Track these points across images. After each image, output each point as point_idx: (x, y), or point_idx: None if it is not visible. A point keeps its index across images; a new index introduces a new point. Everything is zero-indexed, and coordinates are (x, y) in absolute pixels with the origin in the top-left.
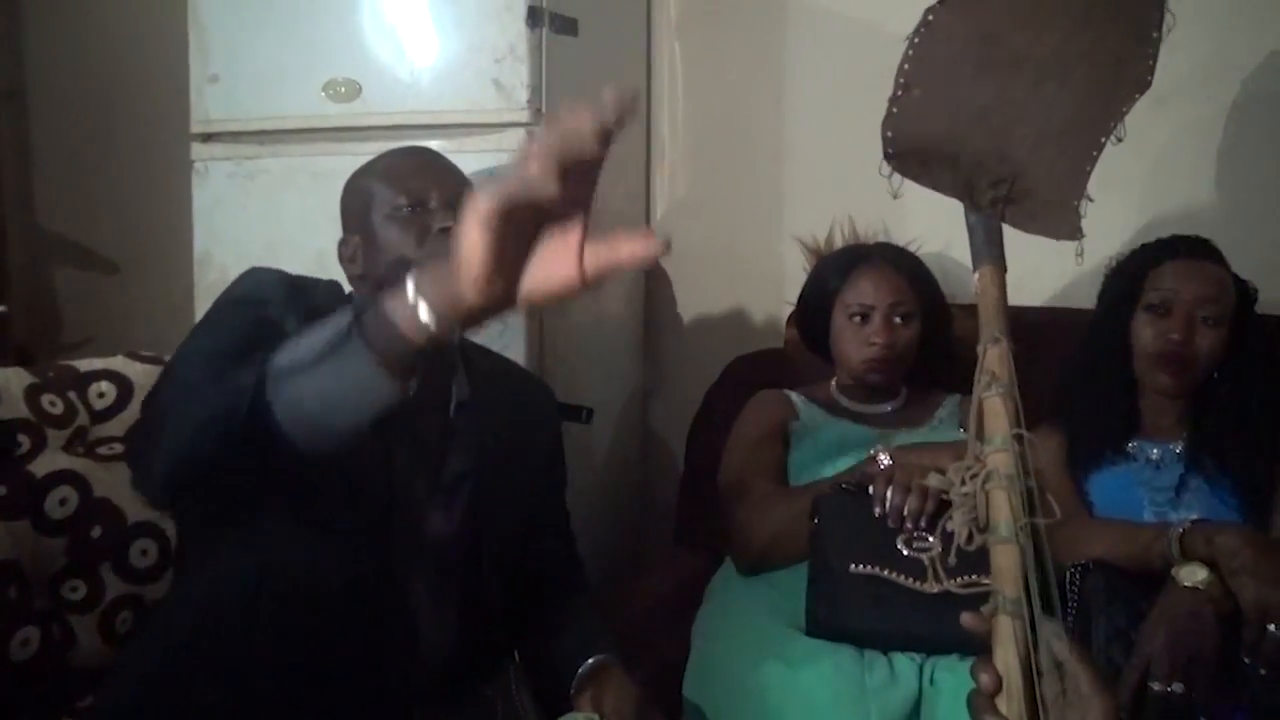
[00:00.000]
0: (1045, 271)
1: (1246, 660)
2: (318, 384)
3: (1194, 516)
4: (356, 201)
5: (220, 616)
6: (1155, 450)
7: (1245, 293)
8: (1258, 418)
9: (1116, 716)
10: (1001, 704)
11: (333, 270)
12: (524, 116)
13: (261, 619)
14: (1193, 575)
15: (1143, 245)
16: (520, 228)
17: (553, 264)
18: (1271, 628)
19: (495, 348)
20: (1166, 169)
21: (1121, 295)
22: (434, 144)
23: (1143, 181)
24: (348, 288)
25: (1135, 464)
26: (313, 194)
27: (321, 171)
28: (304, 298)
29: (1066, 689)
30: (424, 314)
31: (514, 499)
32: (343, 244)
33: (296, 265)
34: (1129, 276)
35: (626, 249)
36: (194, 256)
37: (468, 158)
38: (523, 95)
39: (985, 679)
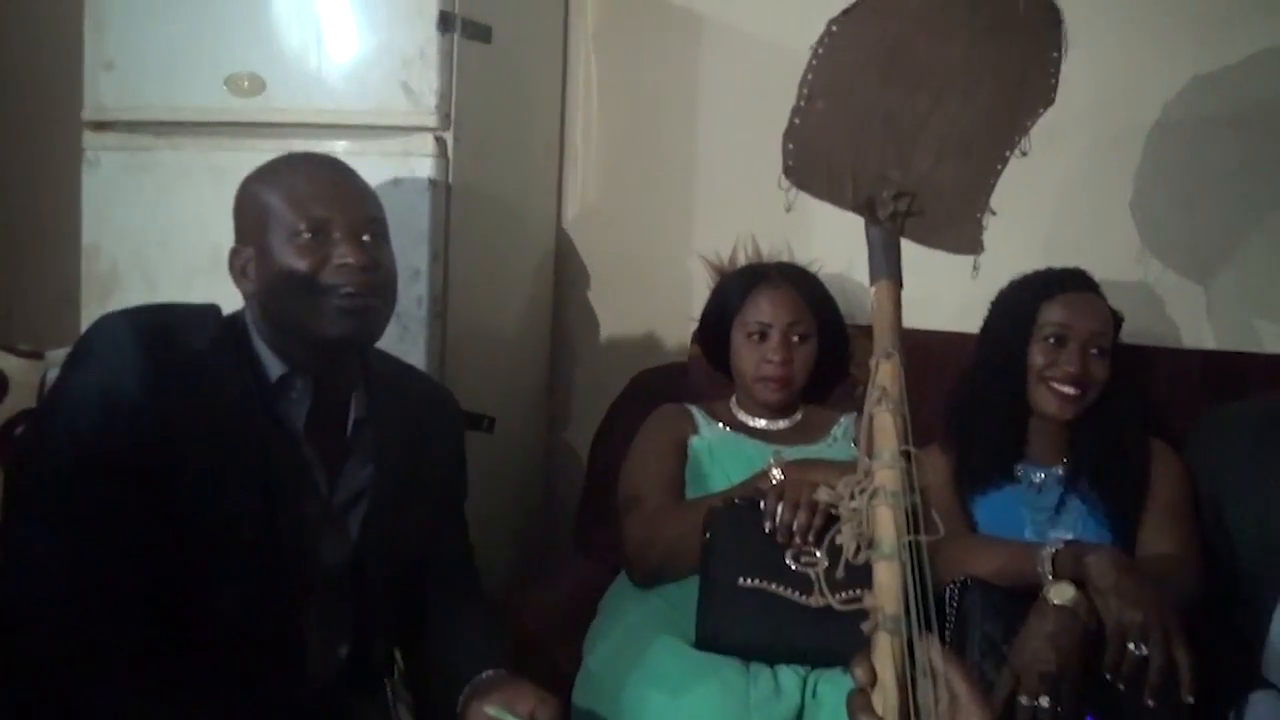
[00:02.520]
0: (944, 296)
1: (1108, 676)
2: None
3: (1069, 536)
4: (253, 213)
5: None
6: (1038, 474)
7: (1115, 321)
8: (1129, 445)
9: None
10: (878, 705)
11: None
12: (431, 121)
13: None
14: (1062, 594)
15: (1026, 277)
16: None
17: None
18: (1131, 646)
19: (396, 354)
20: (1065, 196)
21: (1014, 328)
22: (339, 144)
23: (1040, 207)
24: (231, 304)
25: (1019, 486)
26: (210, 189)
27: (220, 167)
28: (161, 352)
29: (940, 699)
30: None
31: (412, 513)
32: (234, 254)
33: (189, 261)
34: (1021, 308)
35: None
36: (82, 247)
37: (372, 160)
38: (431, 100)
39: (860, 673)
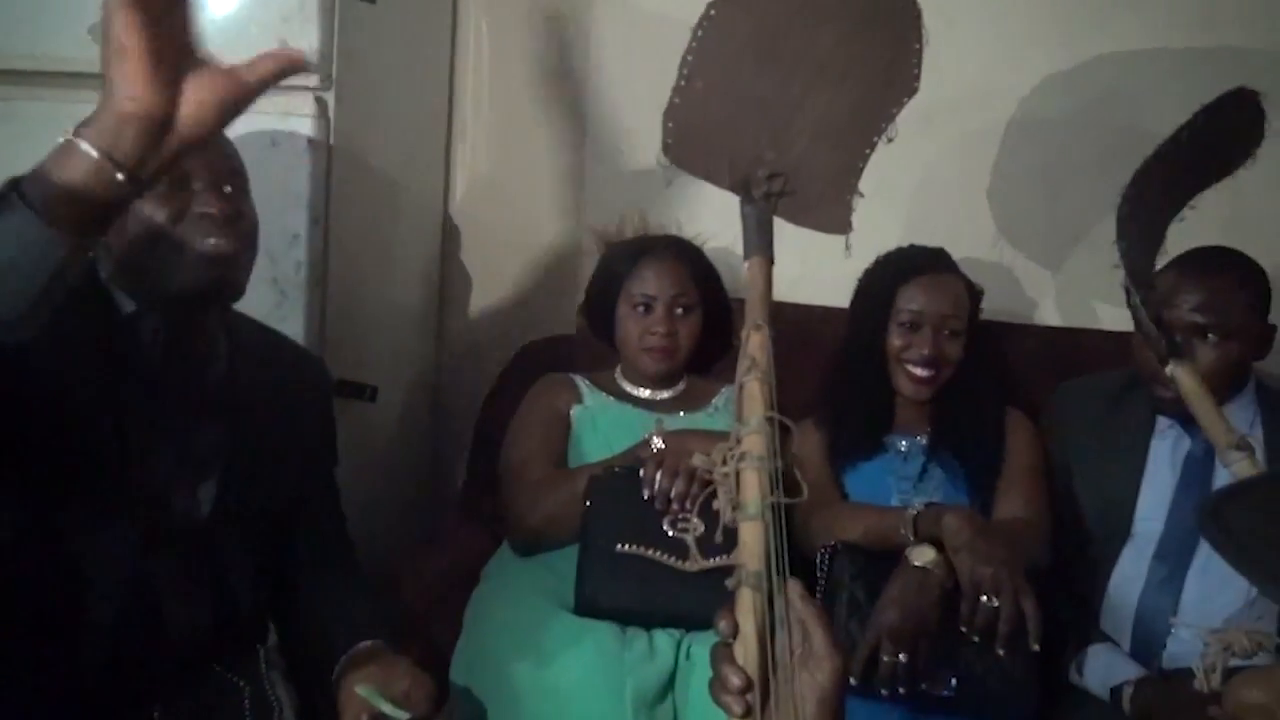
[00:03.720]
0: (820, 272)
1: (963, 629)
2: None
3: (930, 500)
4: None
5: None
6: (903, 443)
7: (974, 297)
8: (988, 415)
9: (845, 676)
10: (739, 655)
11: None
12: (312, 81)
13: None
14: (922, 555)
15: (886, 256)
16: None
17: (207, 80)
18: (983, 599)
19: (273, 323)
20: (932, 182)
21: (874, 310)
22: None
23: (909, 192)
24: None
25: (886, 455)
26: None
27: (83, 118)
28: None
29: (795, 646)
30: (85, 147)
31: (274, 477)
32: None
33: None
34: (880, 292)
35: (266, 60)
36: None
37: (248, 118)
38: (311, 58)
39: (724, 626)
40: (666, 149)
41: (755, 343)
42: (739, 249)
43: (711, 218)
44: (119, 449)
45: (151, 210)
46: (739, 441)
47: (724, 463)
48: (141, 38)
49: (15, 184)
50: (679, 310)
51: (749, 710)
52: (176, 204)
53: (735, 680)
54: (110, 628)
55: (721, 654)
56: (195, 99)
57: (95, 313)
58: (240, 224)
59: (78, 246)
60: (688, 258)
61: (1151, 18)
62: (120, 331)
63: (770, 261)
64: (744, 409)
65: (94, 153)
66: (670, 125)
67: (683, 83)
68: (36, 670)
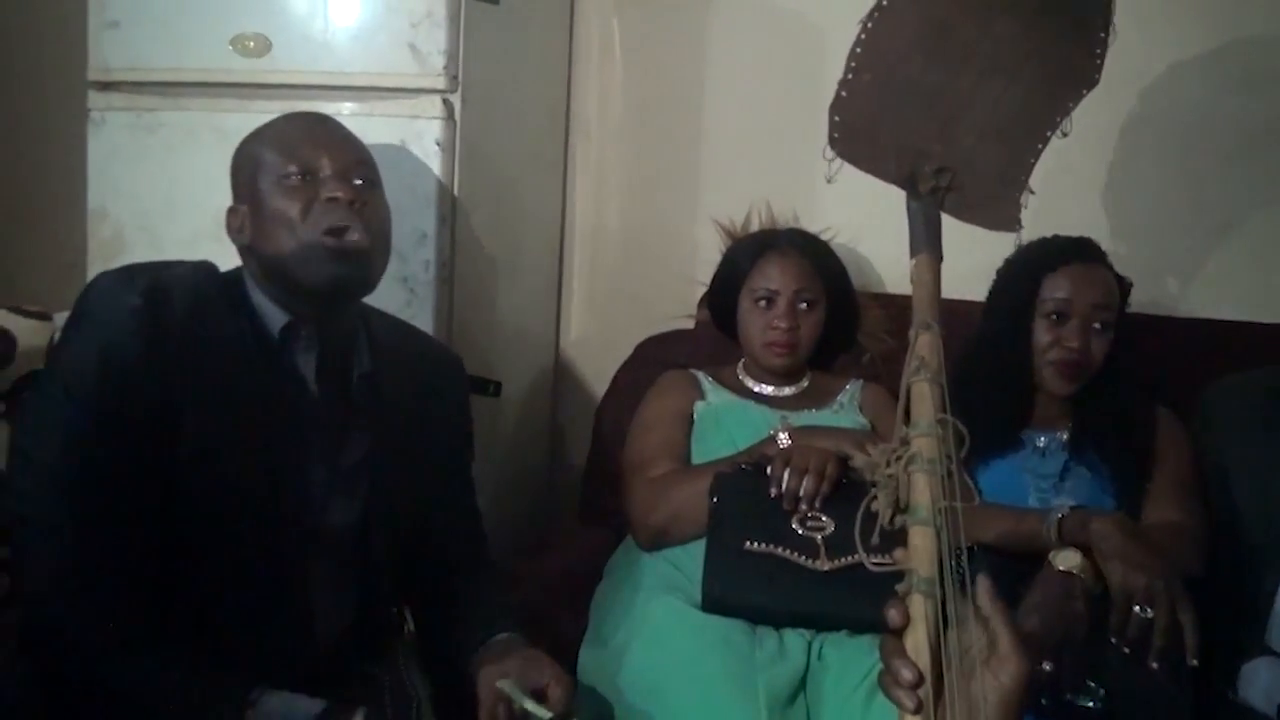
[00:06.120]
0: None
1: (1113, 640)
2: None
3: (1073, 503)
4: (245, 168)
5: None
6: (1042, 439)
7: (1124, 289)
8: (1134, 412)
9: (1029, 678)
10: (910, 648)
11: None
12: (440, 83)
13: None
14: (1067, 560)
15: (1029, 246)
16: None
17: None
18: (1137, 609)
19: (403, 317)
20: (1066, 171)
21: (1018, 300)
22: (345, 106)
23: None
24: (227, 263)
25: (1023, 451)
26: (216, 151)
27: (226, 128)
28: (159, 310)
29: (973, 646)
30: None
31: (418, 475)
32: (231, 213)
33: (196, 225)
34: (1024, 281)
35: None
36: (88, 210)
37: (378, 122)
38: (439, 61)
39: (894, 614)
40: (833, 142)
41: (924, 343)
42: (862, 244)
43: (834, 212)
44: (275, 463)
45: (283, 203)
46: (906, 443)
47: (887, 465)
48: None
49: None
50: (802, 305)
51: (919, 706)
52: (307, 194)
53: (907, 674)
54: (261, 630)
55: (892, 647)
56: None
57: (248, 333)
58: (367, 213)
59: None
60: (812, 251)
61: None
62: (275, 347)
63: (939, 259)
64: (914, 410)
65: None
66: (836, 119)
67: (849, 76)
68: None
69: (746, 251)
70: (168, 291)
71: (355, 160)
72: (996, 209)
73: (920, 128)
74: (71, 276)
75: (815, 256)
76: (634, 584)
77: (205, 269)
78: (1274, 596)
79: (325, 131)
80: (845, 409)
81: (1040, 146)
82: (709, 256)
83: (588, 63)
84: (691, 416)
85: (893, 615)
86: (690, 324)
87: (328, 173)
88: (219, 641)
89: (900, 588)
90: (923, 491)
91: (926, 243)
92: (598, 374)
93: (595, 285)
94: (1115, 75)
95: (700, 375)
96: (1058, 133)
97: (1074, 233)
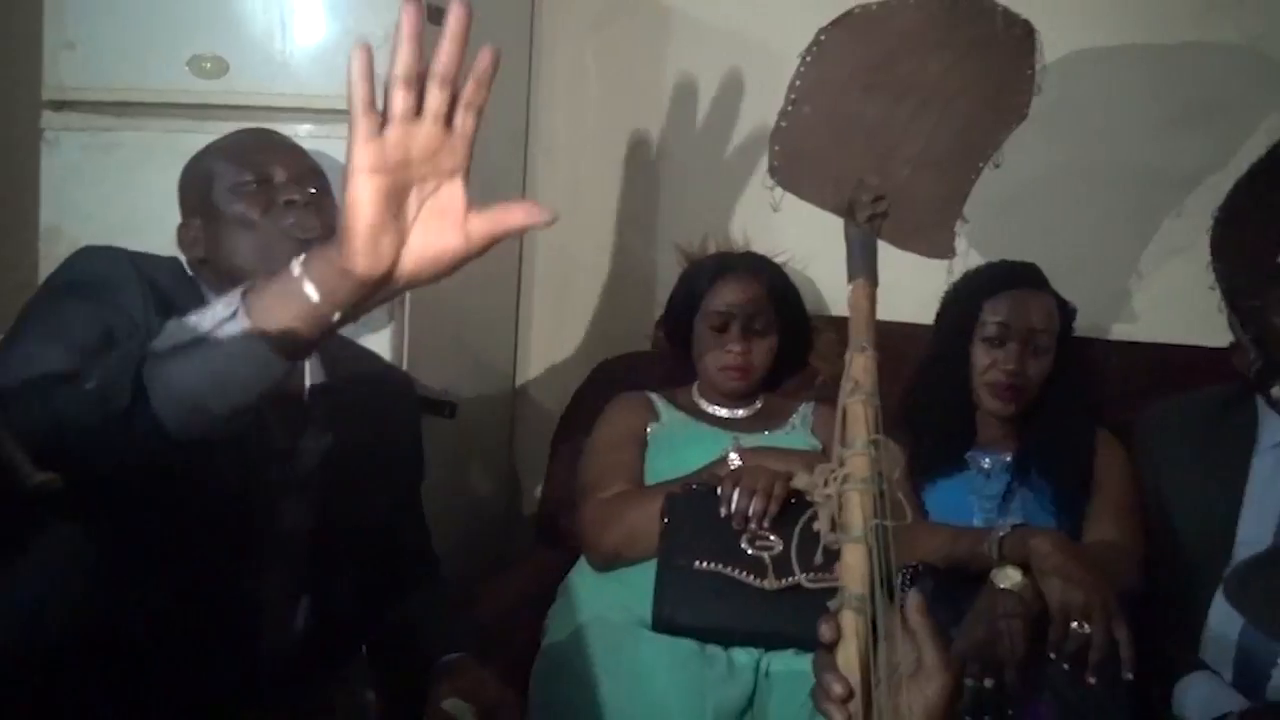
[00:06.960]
0: (903, 288)
1: (1052, 656)
2: (203, 366)
3: (1016, 522)
4: (196, 183)
5: (45, 610)
6: (987, 460)
7: (1067, 314)
8: (1076, 434)
9: (954, 693)
10: (840, 663)
11: None
12: None
13: (93, 610)
14: (1008, 578)
15: (975, 271)
16: (400, 184)
17: (435, 233)
18: (1074, 625)
19: (359, 339)
20: (1012, 199)
21: (959, 323)
22: (303, 128)
23: (997, 205)
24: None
25: (968, 472)
26: (172, 171)
27: (183, 149)
28: (147, 279)
29: (901, 662)
30: (309, 290)
31: (368, 491)
32: (183, 228)
33: (153, 244)
34: (965, 305)
35: (510, 215)
36: (40, 229)
37: (336, 144)
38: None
39: (826, 630)
40: (773, 170)
41: (859, 365)
42: (815, 268)
43: (787, 237)
44: (239, 467)
45: (241, 208)
46: (842, 464)
47: (826, 484)
48: (372, 213)
49: (244, 299)
50: (755, 328)
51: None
52: (264, 198)
53: (838, 688)
54: (210, 638)
55: (824, 661)
56: (417, 254)
57: None
58: (324, 217)
59: (288, 367)
60: (766, 276)
61: (1247, 25)
62: None
63: (874, 284)
64: (848, 431)
65: (315, 296)
66: (777, 148)
67: (790, 107)
68: (138, 683)
69: (704, 273)
70: (147, 270)
71: (309, 169)
72: (932, 236)
73: (858, 158)
74: (21, 296)
75: (770, 281)
76: (586, 604)
77: (175, 265)
78: (1208, 613)
79: (274, 140)
80: (798, 430)
81: (973, 177)
82: (667, 279)
83: (548, 87)
84: (645, 438)
85: (824, 630)
86: (648, 345)
87: (282, 178)
88: (166, 645)
89: (833, 604)
90: (855, 510)
91: (864, 268)
92: (556, 395)
93: (554, 307)
94: (1060, 106)
95: (654, 397)
96: (990, 164)
97: (1020, 258)
